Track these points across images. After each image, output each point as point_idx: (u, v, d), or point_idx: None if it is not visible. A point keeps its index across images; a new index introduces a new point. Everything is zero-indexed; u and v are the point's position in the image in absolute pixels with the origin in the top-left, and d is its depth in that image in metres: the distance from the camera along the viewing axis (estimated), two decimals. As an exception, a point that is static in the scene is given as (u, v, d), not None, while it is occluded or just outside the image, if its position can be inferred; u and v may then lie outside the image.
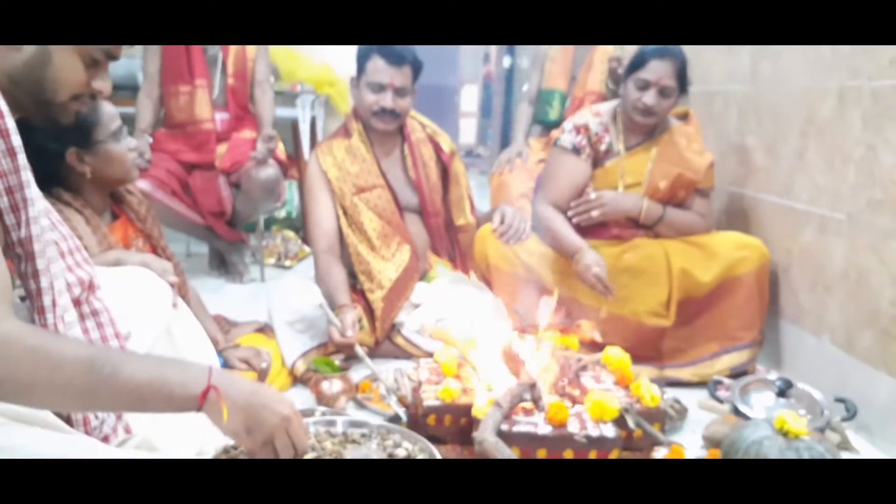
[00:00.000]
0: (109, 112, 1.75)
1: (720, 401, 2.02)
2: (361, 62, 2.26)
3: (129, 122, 2.00)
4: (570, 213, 2.26)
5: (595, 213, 2.23)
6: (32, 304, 1.01)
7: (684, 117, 2.38)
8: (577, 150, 2.28)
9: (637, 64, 2.20)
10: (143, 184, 2.73)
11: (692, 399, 2.04)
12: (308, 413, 1.79)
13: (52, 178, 1.70)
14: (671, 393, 2.00)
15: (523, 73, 4.98)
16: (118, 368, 0.89)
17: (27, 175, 0.96)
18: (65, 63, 1.01)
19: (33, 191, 0.97)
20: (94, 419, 1.07)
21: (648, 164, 2.26)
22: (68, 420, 1.04)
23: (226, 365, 1.89)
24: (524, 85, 3.43)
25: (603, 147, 2.29)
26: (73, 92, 1.03)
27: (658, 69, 2.16)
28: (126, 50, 3.53)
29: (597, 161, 2.30)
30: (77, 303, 1.10)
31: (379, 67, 2.22)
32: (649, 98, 2.17)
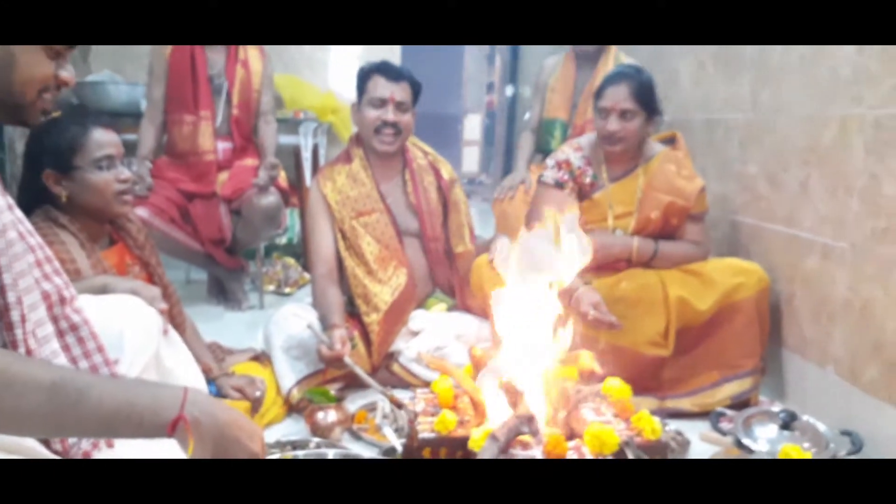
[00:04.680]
0: (98, 140, 1.69)
1: (723, 433, 1.97)
2: (362, 83, 2.32)
3: (130, 149, 2.00)
4: None
5: None
6: (1, 320, 0.98)
7: (671, 141, 2.37)
8: (560, 185, 2.27)
9: (597, 94, 2.24)
10: (141, 211, 2.72)
11: (694, 431, 2.00)
12: (302, 444, 1.77)
13: (42, 197, 1.68)
14: (673, 425, 1.96)
15: (525, 102, 5.01)
16: (84, 395, 0.85)
17: None
18: (30, 61, 0.97)
19: None
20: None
21: (637, 193, 2.25)
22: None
23: (219, 393, 1.87)
24: (526, 114, 3.44)
25: (587, 179, 2.28)
26: (40, 88, 1.00)
27: (613, 94, 2.18)
28: (130, 77, 3.51)
29: (583, 194, 2.29)
30: (54, 319, 1.07)
31: (379, 84, 2.28)
32: (612, 124, 2.18)
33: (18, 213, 1.04)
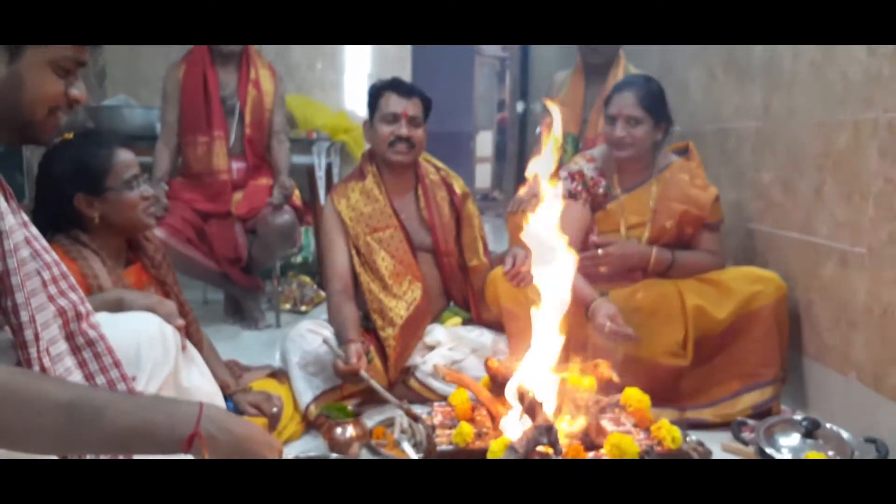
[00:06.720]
0: (124, 160, 1.75)
1: (745, 443, 1.95)
2: (374, 100, 2.34)
3: (146, 171, 2.03)
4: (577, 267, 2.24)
5: (603, 269, 2.20)
6: (15, 338, 0.98)
7: (685, 152, 2.36)
8: (573, 196, 2.28)
9: (606, 102, 2.27)
10: (157, 232, 2.74)
11: (716, 442, 1.97)
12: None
13: (67, 219, 1.71)
14: (694, 435, 1.94)
15: (536, 118, 5.03)
16: (99, 413, 0.85)
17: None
18: (38, 80, 0.97)
19: (8, 221, 0.95)
20: None
21: (651, 203, 2.25)
22: None
23: (236, 409, 1.87)
24: (537, 129, 3.45)
25: (601, 190, 2.29)
26: (51, 106, 1.00)
27: (620, 101, 2.21)
28: (144, 100, 3.53)
29: (597, 205, 2.30)
30: (70, 335, 1.08)
31: (391, 101, 2.30)
32: (618, 130, 2.20)
33: (34, 230, 1.05)
